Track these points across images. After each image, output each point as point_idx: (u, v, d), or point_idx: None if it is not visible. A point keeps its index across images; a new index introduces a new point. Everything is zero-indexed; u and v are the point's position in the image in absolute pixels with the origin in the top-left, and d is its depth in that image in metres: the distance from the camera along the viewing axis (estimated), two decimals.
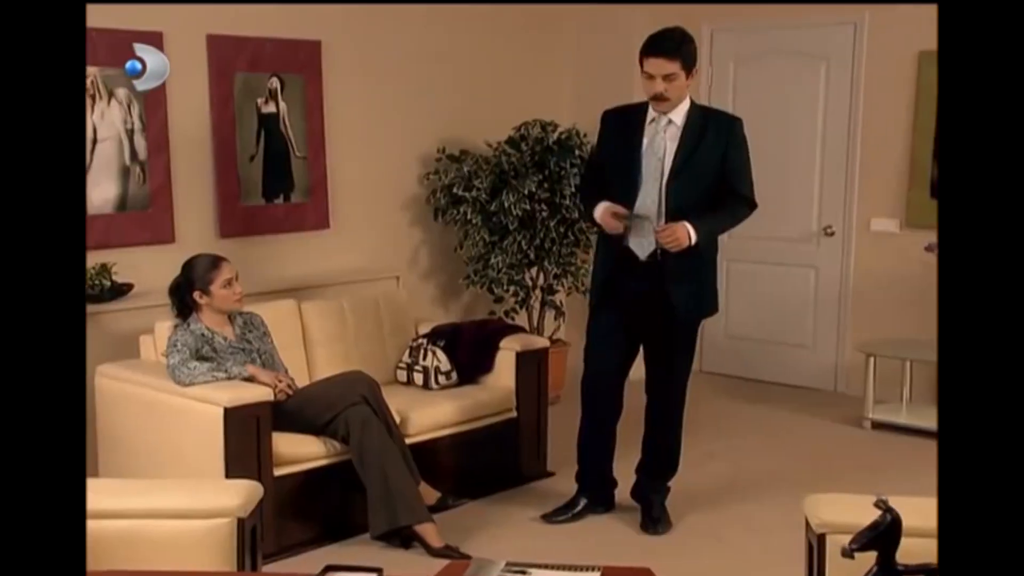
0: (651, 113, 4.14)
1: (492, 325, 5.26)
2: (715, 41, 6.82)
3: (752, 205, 4.25)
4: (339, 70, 5.76)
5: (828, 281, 6.55)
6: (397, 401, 4.50)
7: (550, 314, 6.40)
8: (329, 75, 5.71)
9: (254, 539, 2.80)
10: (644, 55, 4.05)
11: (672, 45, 4.02)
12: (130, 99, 4.94)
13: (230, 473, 3.89)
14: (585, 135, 5.96)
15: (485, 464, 4.83)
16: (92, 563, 2.30)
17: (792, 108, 6.55)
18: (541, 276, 6.32)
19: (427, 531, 4.10)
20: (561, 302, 6.43)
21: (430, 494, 4.33)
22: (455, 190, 6.00)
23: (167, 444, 4.16)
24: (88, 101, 4.76)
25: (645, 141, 4.13)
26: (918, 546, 2.05)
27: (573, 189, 5.92)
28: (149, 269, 4.86)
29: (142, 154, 5.02)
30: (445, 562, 3.54)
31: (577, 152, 6.04)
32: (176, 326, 4.28)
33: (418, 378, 4.97)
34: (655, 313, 4.19)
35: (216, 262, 4.31)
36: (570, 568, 2.57)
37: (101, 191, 4.87)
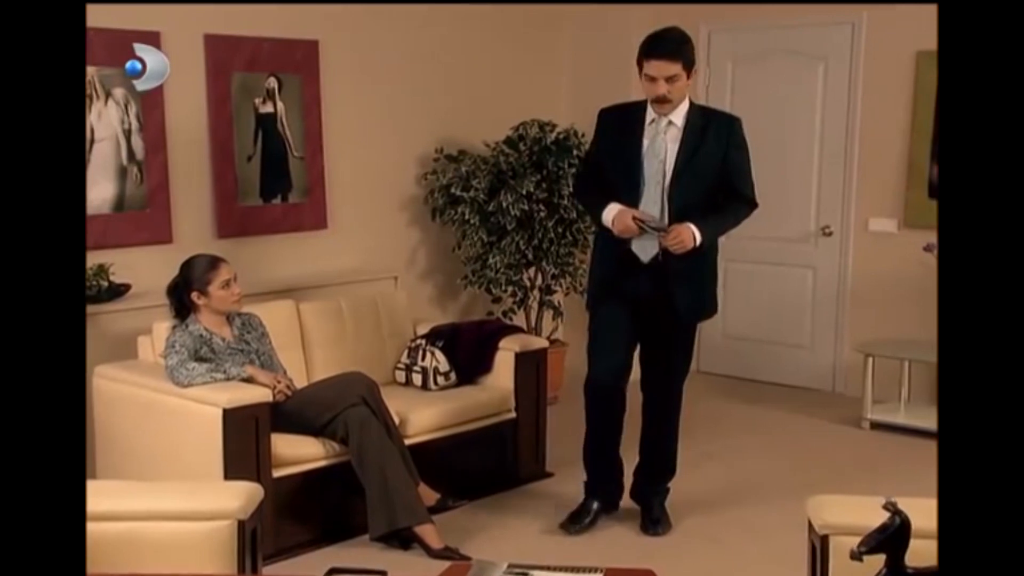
0: (650, 114, 4.11)
1: (491, 326, 5.24)
2: (713, 41, 6.81)
3: (753, 205, 4.24)
4: (337, 70, 5.75)
5: (826, 281, 6.55)
6: (396, 402, 4.49)
7: (548, 314, 6.39)
8: (327, 75, 5.70)
9: (254, 541, 2.78)
10: (645, 58, 4.01)
11: (673, 46, 3.99)
12: (127, 99, 4.92)
13: (229, 474, 3.88)
14: (583, 135, 5.95)
15: (484, 465, 4.82)
16: (92, 565, 2.29)
17: (790, 108, 6.55)
18: (539, 276, 6.31)
19: (426, 532, 4.09)
20: (559, 302, 6.42)
21: (429, 495, 4.31)
22: (453, 190, 5.99)
23: (165, 445, 4.14)
24: (85, 101, 4.74)
25: (646, 143, 4.10)
26: (927, 548, 2.04)
27: (571, 189, 5.91)
28: (146, 269, 4.85)
29: (139, 154, 5.01)
30: (445, 563, 3.53)
31: (575, 152, 6.03)
32: (174, 327, 4.26)
33: (417, 379, 4.96)
34: (656, 315, 4.17)
35: (214, 263, 4.30)
36: (572, 570, 2.56)
37: (98, 191, 4.86)
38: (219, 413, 3.93)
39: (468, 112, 6.35)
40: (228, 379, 4.10)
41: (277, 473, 4.07)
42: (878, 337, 6.04)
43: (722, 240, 4.34)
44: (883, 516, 2.06)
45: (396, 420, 4.37)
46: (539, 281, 6.32)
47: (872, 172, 6.29)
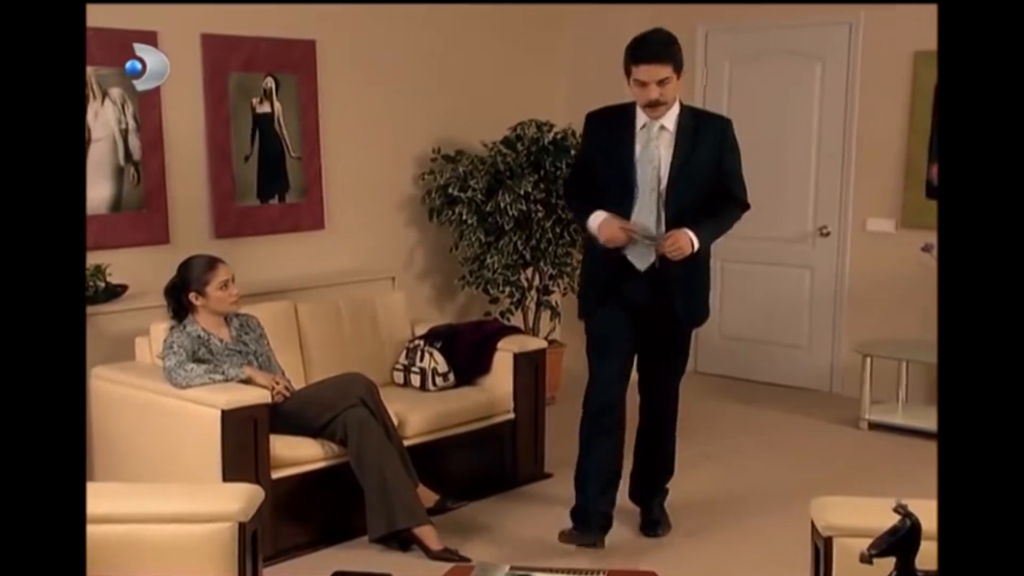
0: (641, 118, 3.99)
1: (489, 326, 5.23)
2: (710, 41, 6.81)
3: (745, 207, 4.18)
4: (334, 70, 5.73)
5: (824, 281, 6.54)
6: (395, 403, 4.47)
7: (546, 315, 6.38)
8: (324, 75, 5.69)
9: (255, 544, 2.77)
10: (633, 63, 3.88)
11: (661, 48, 3.88)
12: (124, 99, 4.91)
13: (227, 476, 3.87)
14: (581, 135, 5.93)
15: (483, 466, 4.81)
16: (92, 568, 2.28)
17: (787, 108, 6.54)
18: (537, 277, 6.30)
19: (426, 534, 4.08)
20: (557, 303, 6.41)
21: (428, 496, 4.30)
22: (450, 190, 5.98)
23: (163, 447, 4.13)
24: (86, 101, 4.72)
25: (638, 148, 4.01)
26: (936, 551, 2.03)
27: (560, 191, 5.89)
28: (144, 270, 4.83)
29: (136, 154, 4.99)
30: (444, 565, 3.54)
31: (573, 152, 6.01)
32: (172, 328, 4.25)
33: (415, 379, 4.95)
34: (654, 321, 4.11)
35: (212, 263, 4.28)
36: (575, 572, 2.56)
37: (95, 191, 4.83)
38: (217, 414, 3.91)
39: (466, 112, 6.34)
40: (226, 380, 4.08)
41: (276, 474, 4.06)
42: (876, 337, 6.04)
43: (719, 240, 4.30)
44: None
45: (395, 421, 4.36)
46: (537, 281, 6.31)
47: (870, 172, 6.29)
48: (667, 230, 3.96)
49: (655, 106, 3.93)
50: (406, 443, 4.38)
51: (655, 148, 3.99)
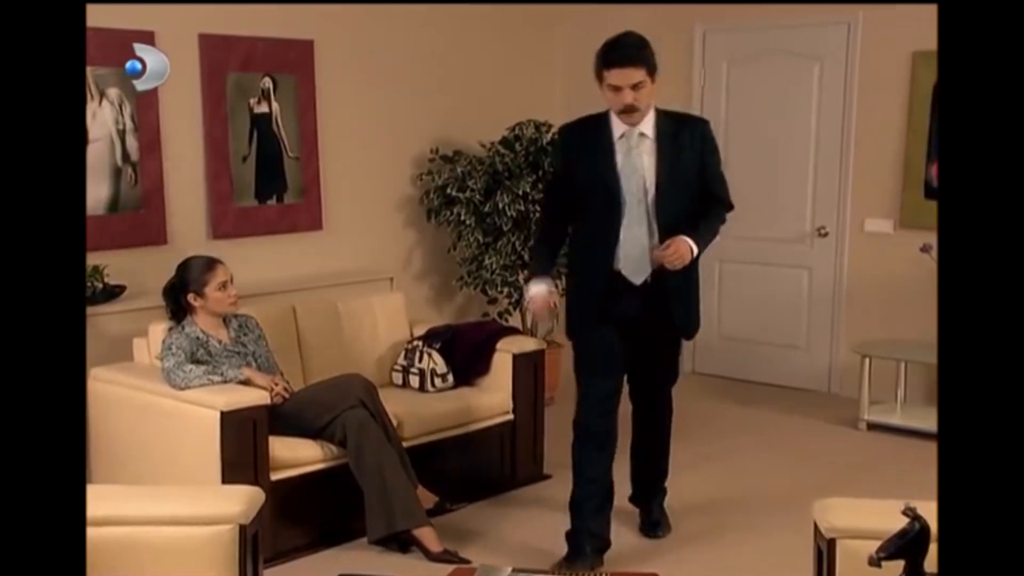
0: (619, 127, 3.86)
1: (488, 327, 5.22)
2: (708, 41, 6.80)
3: (730, 207, 4.10)
4: (332, 70, 5.72)
5: (822, 282, 6.54)
6: (394, 404, 4.46)
7: None
8: (322, 75, 5.68)
9: (256, 546, 2.76)
10: (605, 67, 3.77)
11: (634, 51, 3.79)
12: (122, 99, 4.89)
13: (227, 478, 3.86)
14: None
15: (482, 467, 4.80)
16: (92, 571, 2.26)
17: (786, 108, 6.54)
18: None
19: (425, 535, 4.07)
20: (555, 303, 6.39)
21: (428, 498, 4.30)
22: (448, 191, 5.97)
23: (162, 448, 4.12)
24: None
25: (619, 158, 3.86)
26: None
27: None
28: (142, 271, 4.83)
29: (134, 155, 4.98)
30: (444, 567, 3.53)
31: None
32: (170, 329, 4.23)
33: (414, 380, 4.94)
34: (647, 333, 4.02)
35: (211, 264, 4.27)
36: (576, 574, 2.55)
37: (93, 192, 4.81)
38: (216, 416, 3.90)
39: (464, 112, 6.34)
40: (225, 381, 4.07)
41: (275, 476, 4.05)
42: (874, 338, 6.04)
43: (716, 240, 4.23)
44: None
45: (394, 422, 4.35)
46: None
47: (868, 172, 6.29)
48: (661, 240, 3.86)
49: (630, 112, 3.81)
50: (405, 444, 4.37)
51: (637, 157, 3.87)
